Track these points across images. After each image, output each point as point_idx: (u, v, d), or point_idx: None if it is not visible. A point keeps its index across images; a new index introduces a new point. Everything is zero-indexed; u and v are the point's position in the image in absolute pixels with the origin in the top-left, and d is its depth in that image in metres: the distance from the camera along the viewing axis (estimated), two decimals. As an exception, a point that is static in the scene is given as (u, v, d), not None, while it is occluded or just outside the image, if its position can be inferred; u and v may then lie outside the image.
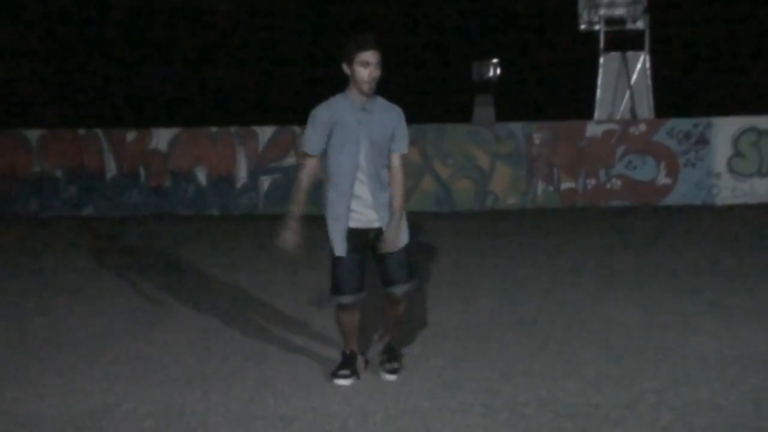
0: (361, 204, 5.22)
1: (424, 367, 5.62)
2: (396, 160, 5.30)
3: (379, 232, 5.25)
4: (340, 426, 4.64)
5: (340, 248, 5.24)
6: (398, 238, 5.26)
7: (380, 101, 5.25)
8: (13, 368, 5.77)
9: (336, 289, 5.29)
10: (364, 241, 5.26)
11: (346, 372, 5.41)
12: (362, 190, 5.20)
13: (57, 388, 5.33)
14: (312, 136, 5.20)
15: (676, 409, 4.76)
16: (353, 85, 5.12)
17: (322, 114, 5.16)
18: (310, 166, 5.27)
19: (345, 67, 5.11)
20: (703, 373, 5.35)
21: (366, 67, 5.03)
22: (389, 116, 5.22)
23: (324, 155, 5.25)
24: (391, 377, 5.43)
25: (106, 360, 5.93)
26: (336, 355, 5.85)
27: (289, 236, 5.27)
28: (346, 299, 5.29)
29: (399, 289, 5.35)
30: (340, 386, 5.27)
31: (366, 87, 5.07)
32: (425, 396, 5.05)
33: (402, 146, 5.30)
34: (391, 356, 5.55)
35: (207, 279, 8.67)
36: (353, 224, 5.23)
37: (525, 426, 4.58)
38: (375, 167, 5.19)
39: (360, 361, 5.60)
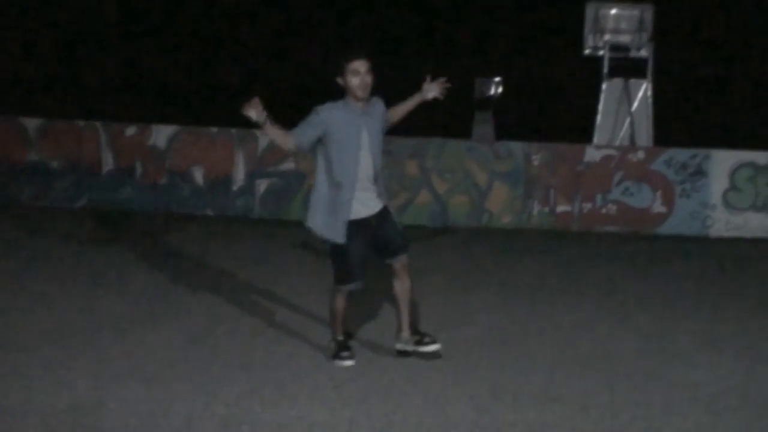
0: (368, 196, 5.76)
1: (412, 381, 5.60)
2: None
3: (379, 215, 5.78)
4: (326, 436, 4.63)
5: (340, 236, 5.69)
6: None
7: (372, 99, 5.85)
8: (-1, 358, 5.74)
9: (345, 278, 5.78)
10: (366, 227, 5.76)
11: (347, 354, 5.88)
12: (368, 182, 5.74)
13: (42, 382, 5.30)
14: (305, 129, 5.67)
15: (663, 439, 4.75)
16: (349, 94, 5.69)
17: (322, 113, 5.67)
18: (293, 142, 5.70)
19: (339, 80, 5.70)
20: (693, 403, 5.34)
21: (356, 75, 5.62)
22: (379, 110, 5.89)
23: (325, 157, 5.72)
24: (436, 346, 5.87)
25: (92, 356, 5.89)
26: (322, 363, 5.86)
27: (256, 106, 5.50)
28: (354, 286, 5.84)
29: (404, 257, 5.87)
30: (327, 395, 5.25)
31: (360, 93, 5.65)
32: (413, 411, 5.03)
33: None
34: (422, 334, 5.97)
35: (198, 281, 8.63)
36: (356, 216, 5.72)
37: (511, 447, 4.57)
38: (375, 157, 5.77)
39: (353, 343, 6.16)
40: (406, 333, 6.02)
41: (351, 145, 5.67)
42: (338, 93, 5.85)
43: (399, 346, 6.05)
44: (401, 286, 5.97)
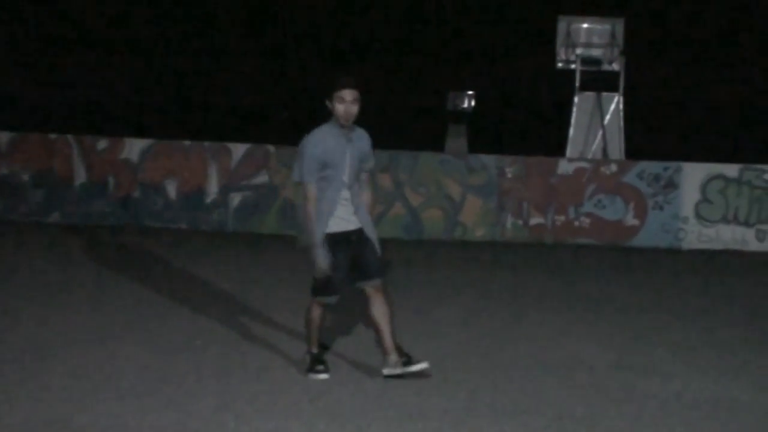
0: (346, 211, 5.84)
1: (387, 395, 5.58)
2: (365, 176, 6.09)
3: (359, 234, 5.87)
4: (300, 450, 4.60)
5: (325, 258, 5.77)
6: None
7: (357, 128, 5.94)
8: (-31, 373, 5.67)
9: (323, 291, 5.83)
10: (346, 243, 5.83)
11: (321, 368, 5.89)
12: (346, 199, 5.84)
13: (15, 397, 5.23)
14: (308, 168, 5.77)
15: (637, 450, 4.76)
16: (334, 118, 5.79)
17: (314, 149, 5.76)
18: (313, 193, 5.79)
19: (327, 103, 5.78)
20: (665, 415, 5.36)
21: (342, 103, 5.72)
22: (363, 141, 5.97)
23: None
24: (424, 365, 5.87)
25: (65, 370, 5.83)
26: (297, 376, 5.83)
27: (323, 259, 5.73)
28: (332, 299, 5.91)
29: (379, 281, 5.92)
30: (301, 408, 5.23)
31: (342, 121, 5.76)
32: (388, 425, 5.01)
33: (370, 166, 6.12)
34: (409, 354, 5.98)
35: (172, 294, 8.58)
36: (334, 229, 5.80)
37: (487, 460, 4.56)
38: (355, 180, 5.92)
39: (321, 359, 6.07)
40: (393, 356, 5.91)
41: (335, 168, 5.77)
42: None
43: (386, 371, 5.91)
44: (379, 310, 5.88)
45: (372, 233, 5.96)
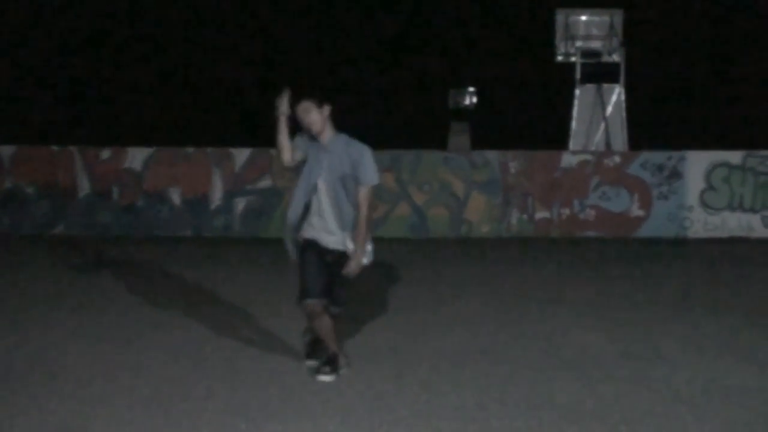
0: (321, 222, 5.78)
1: (397, 394, 5.59)
2: (361, 192, 5.81)
3: (339, 256, 5.78)
4: (312, 452, 4.60)
5: (292, 252, 5.91)
6: (358, 265, 5.80)
7: (342, 139, 5.86)
8: (-20, 387, 5.68)
9: (301, 293, 5.78)
10: (324, 256, 5.80)
11: (327, 369, 5.88)
12: (322, 210, 5.78)
13: (25, 407, 5.25)
14: (298, 143, 5.86)
15: (649, 440, 4.76)
16: None
17: (308, 138, 5.85)
18: (288, 157, 5.89)
19: None
20: (676, 404, 5.36)
21: (300, 115, 5.75)
22: (348, 153, 5.79)
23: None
24: (318, 372, 5.88)
25: (75, 380, 5.84)
26: (307, 379, 5.84)
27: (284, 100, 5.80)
28: (309, 302, 5.71)
29: (335, 309, 5.84)
30: (312, 409, 5.23)
31: (308, 132, 5.76)
32: (399, 423, 5.02)
33: (365, 179, 5.81)
34: (321, 351, 6.04)
35: (180, 301, 8.59)
36: (308, 235, 5.82)
37: (499, 455, 4.56)
38: (335, 195, 5.76)
39: (341, 360, 6.02)
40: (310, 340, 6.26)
41: (310, 174, 5.80)
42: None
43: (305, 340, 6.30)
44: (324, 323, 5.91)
45: (357, 261, 5.75)
